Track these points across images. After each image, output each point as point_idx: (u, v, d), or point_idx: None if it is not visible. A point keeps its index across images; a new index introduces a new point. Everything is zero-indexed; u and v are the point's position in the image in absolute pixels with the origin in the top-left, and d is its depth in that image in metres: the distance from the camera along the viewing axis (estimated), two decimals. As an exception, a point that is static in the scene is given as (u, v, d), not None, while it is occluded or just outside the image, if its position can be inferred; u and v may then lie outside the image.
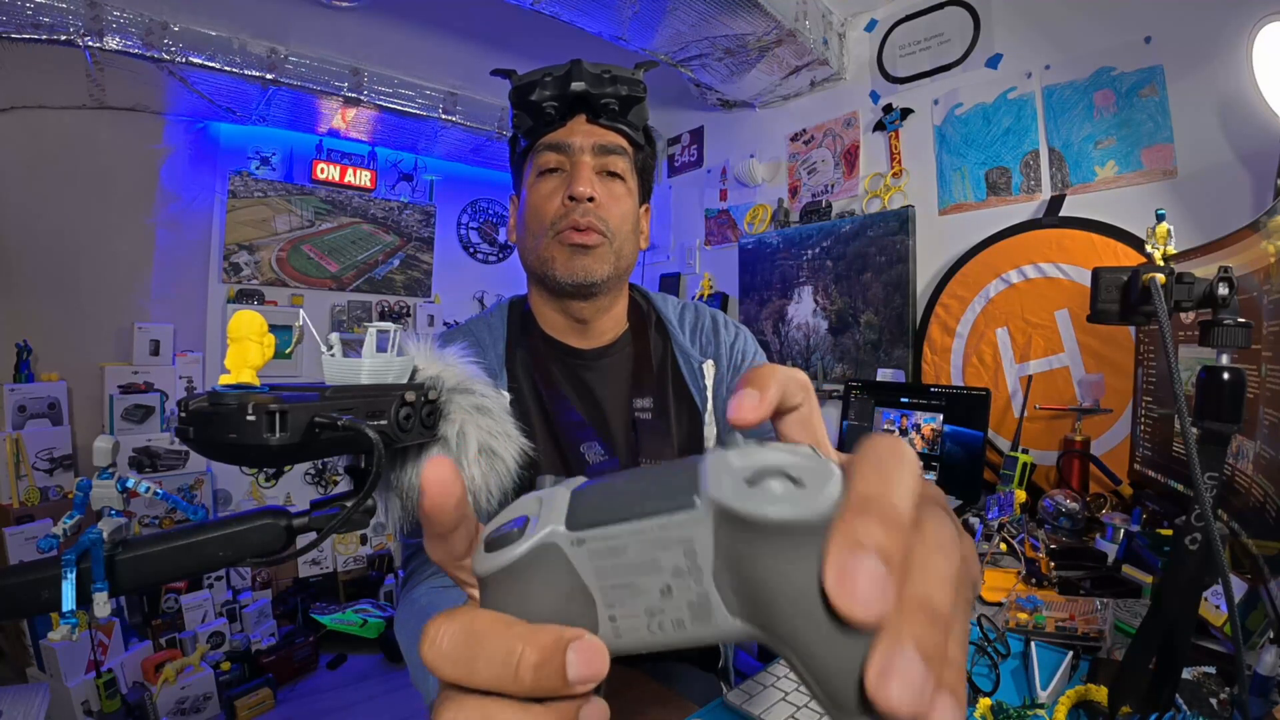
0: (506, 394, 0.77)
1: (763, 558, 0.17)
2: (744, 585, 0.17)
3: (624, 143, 0.81)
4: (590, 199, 0.76)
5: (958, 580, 0.18)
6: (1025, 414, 1.55)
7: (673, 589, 0.18)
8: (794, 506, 0.16)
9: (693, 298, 2.49)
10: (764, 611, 0.17)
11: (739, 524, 0.17)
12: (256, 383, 0.43)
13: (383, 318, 3.13)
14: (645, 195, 0.88)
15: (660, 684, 0.78)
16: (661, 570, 0.18)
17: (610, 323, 0.86)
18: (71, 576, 0.37)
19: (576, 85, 0.76)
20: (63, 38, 1.98)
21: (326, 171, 2.96)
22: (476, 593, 0.23)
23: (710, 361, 0.88)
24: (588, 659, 0.18)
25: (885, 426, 1.76)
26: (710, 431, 0.85)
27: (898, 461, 0.18)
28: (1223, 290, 0.57)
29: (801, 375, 0.24)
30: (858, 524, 0.16)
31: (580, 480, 0.22)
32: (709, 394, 0.86)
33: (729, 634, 0.18)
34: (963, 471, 1.58)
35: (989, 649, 0.76)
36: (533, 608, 0.19)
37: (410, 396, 0.47)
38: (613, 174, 0.80)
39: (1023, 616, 0.88)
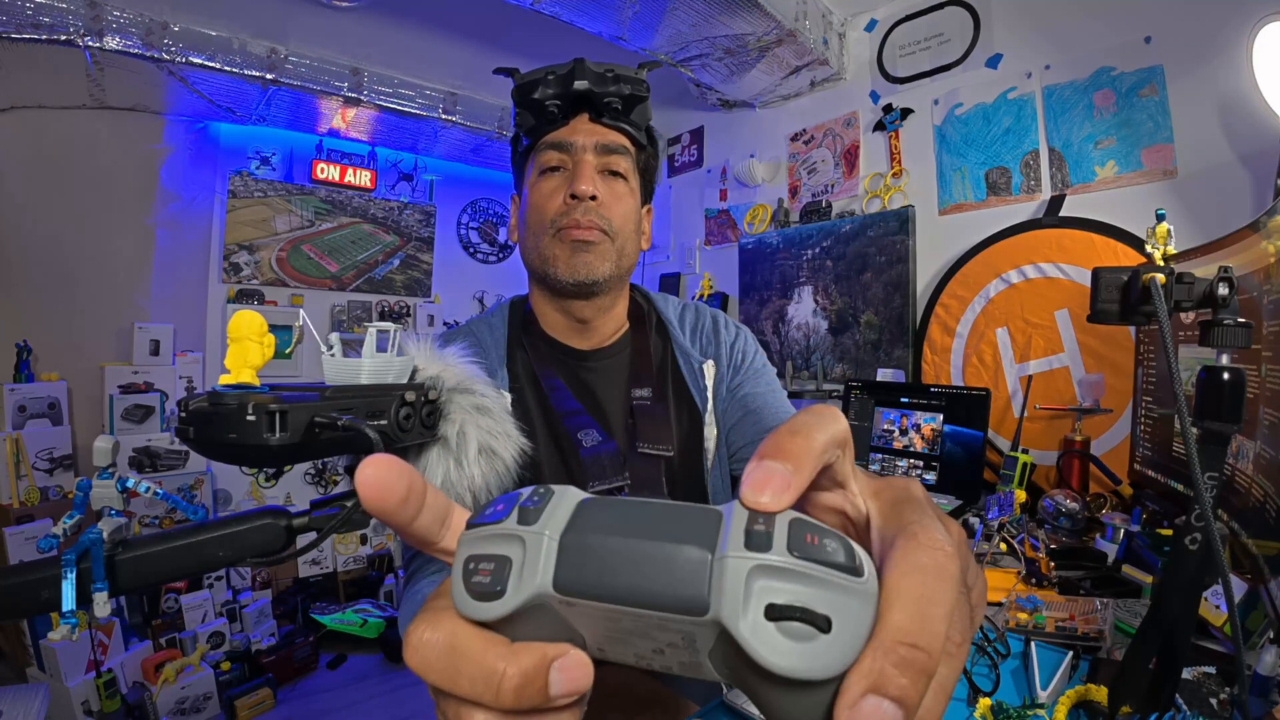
0: (507, 394, 0.77)
1: (766, 688, 0.16)
2: (740, 679, 0.17)
3: (626, 142, 0.81)
4: (593, 197, 0.76)
5: (956, 682, 0.18)
6: (1025, 414, 1.55)
7: (665, 652, 0.18)
8: (813, 661, 0.15)
9: (693, 298, 2.49)
10: (755, 699, 0.17)
11: (746, 656, 0.15)
12: (256, 383, 0.43)
13: (383, 318, 3.13)
14: (647, 196, 0.88)
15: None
16: (655, 640, 0.17)
17: (611, 323, 0.86)
18: (71, 576, 0.37)
19: (580, 84, 0.75)
20: (63, 38, 1.98)
21: (326, 171, 2.96)
22: None
23: (710, 362, 0.88)
24: (571, 676, 0.18)
25: (885, 427, 1.76)
26: (710, 432, 0.84)
27: (939, 583, 0.17)
28: (1223, 290, 0.57)
29: (840, 426, 0.20)
30: (885, 668, 0.15)
31: (568, 504, 0.19)
32: (709, 394, 0.86)
33: (716, 680, 0.18)
34: (963, 471, 1.58)
35: (989, 649, 0.76)
36: (519, 639, 0.19)
37: (410, 396, 0.47)
38: (615, 173, 0.80)
39: (1023, 616, 0.88)
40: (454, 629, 0.19)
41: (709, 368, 0.87)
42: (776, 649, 0.15)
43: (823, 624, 0.15)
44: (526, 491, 0.19)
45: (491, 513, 0.19)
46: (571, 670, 0.18)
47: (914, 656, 0.15)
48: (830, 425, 0.20)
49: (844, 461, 0.21)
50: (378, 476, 0.19)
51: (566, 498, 0.19)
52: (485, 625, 0.18)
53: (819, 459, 0.19)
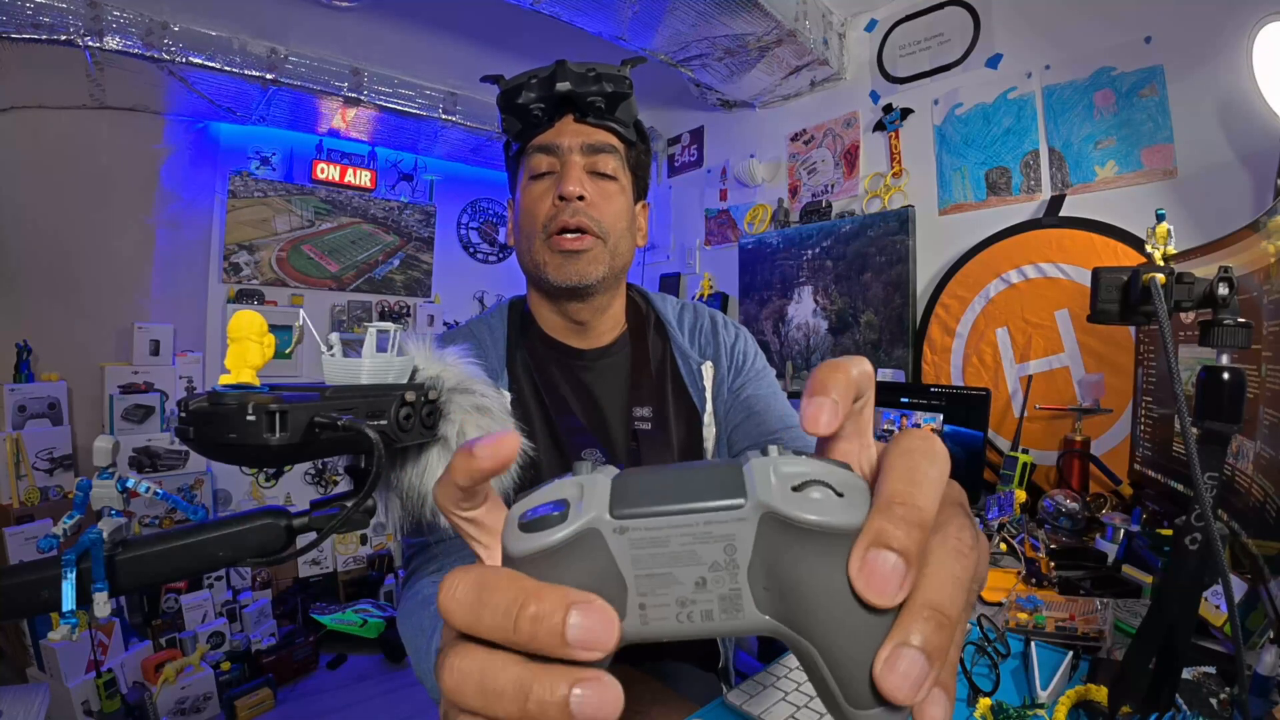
0: (507, 394, 0.77)
1: (799, 557, 0.18)
2: (777, 582, 0.19)
3: (613, 140, 0.81)
4: (580, 198, 0.76)
5: (969, 585, 0.19)
6: (1025, 414, 1.55)
7: (707, 582, 0.19)
8: (835, 514, 0.18)
9: (693, 298, 2.49)
10: (792, 605, 0.19)
11: (782, 526, 0.18)
12: (256, 383, 0.43)
13: (383, 318, 3.13)
14: (641, 192, 0.88)
15: (660, 684, 0.78)
16: (700, 563, 0.19)
17: (609, 323, 0.86)
18: (71, 576, 0.37)
19: (561, 85, 0.75)
20: (63, 38, 1.98)
21: (326, 171, 2.96)
22: (480, 549, 0.24)
23: (709, 363, 0.88)
24: (590, 623, 0.18)
25: (885, 427, 1.76)
26: (710, 432, 0.85)
27: (928, 461, 0.20)
28: (1223, 290, 0.57)
29: (867, 365, 0.23)
30: (884, 524, 0.18)
31: (614, 469, 0.22)
32: (708, 395, 0.86)
33: (753, 628, 0.19)
34: (963, 471, 1.57)
35: (989, 649, 0.76)
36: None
37: (410, 396, 0.47)
38: (604, 174, 0.80)
39: (1023, 616, 0.88)
40: (485, 569, 0.20)
41: (707, 368, 0.87)
42: (807, 507, 0.18)
43: (838, 492, 0.19)
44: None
45: (547, 484, 0.22)
46: (590, 616, 0.18)
47: (907, 513, 0.18)
48: (860, 363, 0.23)
49: (867, 407, 0.24)
50: (513, 451, 0.22)
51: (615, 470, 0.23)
52: (533, 563, 0.20)
53: (854, 386, 0.22)
